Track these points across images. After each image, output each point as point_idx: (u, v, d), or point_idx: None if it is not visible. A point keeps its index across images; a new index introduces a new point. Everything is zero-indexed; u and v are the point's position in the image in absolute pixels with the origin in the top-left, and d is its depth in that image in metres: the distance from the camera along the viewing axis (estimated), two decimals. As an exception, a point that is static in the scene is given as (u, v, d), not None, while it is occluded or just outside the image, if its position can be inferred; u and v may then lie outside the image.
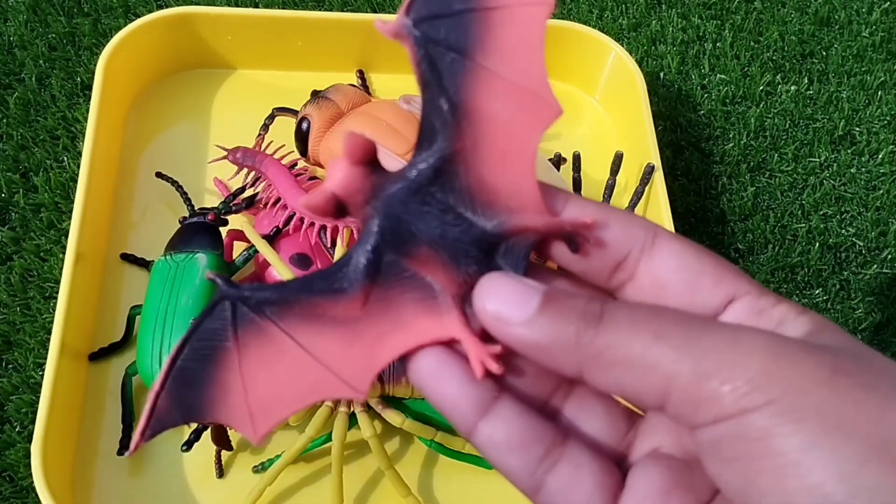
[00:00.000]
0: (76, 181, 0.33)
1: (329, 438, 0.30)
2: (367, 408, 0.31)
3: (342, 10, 0.43)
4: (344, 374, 0.15)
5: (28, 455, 0.28)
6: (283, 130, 0.36)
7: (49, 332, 0.30)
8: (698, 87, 0.43)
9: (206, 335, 0.15)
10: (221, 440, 0.30)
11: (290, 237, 0.34)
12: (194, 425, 0.30)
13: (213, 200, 0.36)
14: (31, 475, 0.27)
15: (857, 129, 0.42)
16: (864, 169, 0.41)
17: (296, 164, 0.35)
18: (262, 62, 0.40)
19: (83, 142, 0.34)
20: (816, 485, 0.11)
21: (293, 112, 0.37)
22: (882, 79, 0.44)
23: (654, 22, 0.44)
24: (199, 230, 0.33)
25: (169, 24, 0.38)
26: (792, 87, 0.43)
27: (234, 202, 0.35)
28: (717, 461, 0.13)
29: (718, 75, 0.43)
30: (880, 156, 0.41)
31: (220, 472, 0.31)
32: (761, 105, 0.42)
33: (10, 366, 0.33)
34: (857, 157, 0.41)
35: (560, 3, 0.45)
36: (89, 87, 0.37)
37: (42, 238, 0.35)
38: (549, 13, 0.15)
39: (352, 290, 0.15)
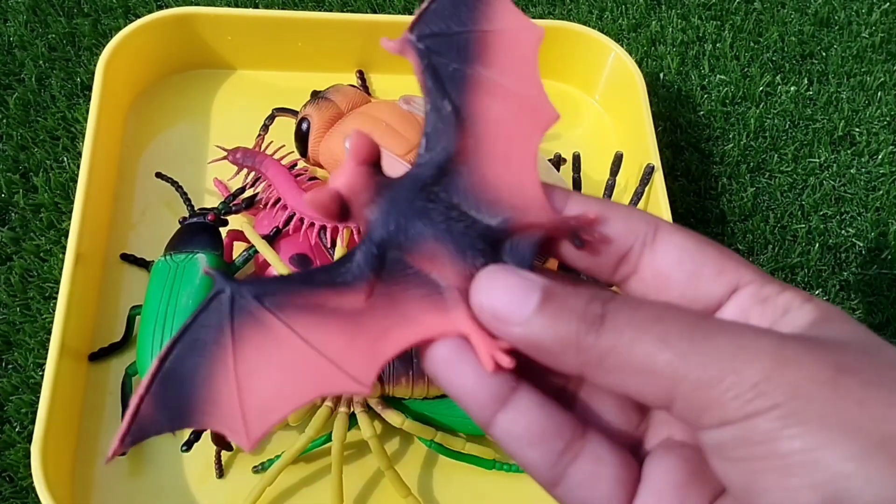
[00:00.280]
0: (76, 181, 0.33)
1: (329, 439, 0.30)
2: (367, 408, 0.31)
3: (342, 11, 0.43)
4: (347, 367, 0.14)
5: (28, 455, 0.28)
6: (283, 131, 0.36)
7: (49, 332, 0.30)
8: (698, 88, 0.43)
9: (199, 332, 0.14)
10: (221, 440, 0.30)
11: (289, 237, 0.34)
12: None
13: (213, 201, 0.36)
14: (30, 475, 0.27)
15: (857, 129, 0.42)
16: (863, 169, 0.41)
17: (296, 165, 0.35)
18: (262, 62, 0.40)
19: (83, 142, 0.34)
20: (820, 482, 0.11)
21: (293, 112, 0.37)
22: (882, 79, 0.44)
23: (653, 23, 0.44)
24: (199, 230, 0.33)
25: (169, 25, 0.38)
26: (792, 88, 0.43)
27: (234, 202, 0.35)
28: (721, 461, 0.13)
29: (718, 76, 0.43)
30: (880, 156, 0.41)
31: (220, 473, 0.31)
32: (761, 106, 0.42)
33: (10, 366, 0.33)
34: (856, 157, 0.41)
35: (560, 4, 0.45)
36: (89, 88, 0.37)
37: (42, 238, 0.35)
38: (540, 38, 0.16)
39: (355, 283, 0.15)
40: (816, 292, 0.38)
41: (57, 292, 0.31)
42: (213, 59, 0.40)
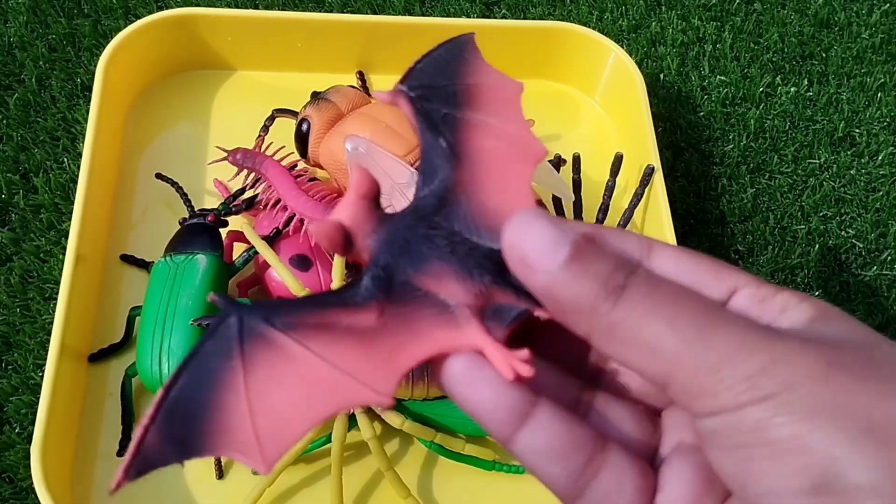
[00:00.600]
0: (76, 182, 0.33)
1: (329, 439, 0.30)
2: (367, 409, 0.31)
3: (342, 12, 0.43)
4: (366, 379, 0.14)
5: (28, 456, 0.28)
6: (284, 132, 0.36)
7: (49, 333, 0.30)
8: (698, 89, 0.43)
9: (206, 359, 0.14)
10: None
11: (289, 238, 0.34)
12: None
13: (213, 201, 0.36)
14: (30, 476, 0.27)
15: (857, 130, 0.42)
16: (863, 171, 0.41)
17: (296, 166, 0.35)
18: (262, 63, 0.40)
19: (83, 143, 0.34)
20: (809, 466, 0.12)
21: (293, 113, 0.37)
22: (882, 80, 0.44)
23: (653, 23, 0.44)
24: (199, 231, 0.33)
25: (169, 26, 0.38)
26: (792, 89, 0.43)
27: (234, 203, 0.35)
28: (716, 450, 0.13)
29: (718, 77, 0.43)
30: (880, 157, 0.41)
31: (220, 474, 0.31)
32: (761, 107, 0.42)
33: (10, 367, 0.33)
34: (856, 158, 0.41)
35: (560, 5, 0.45)
36: (89, 89, 0.37)
37: (42, 239, 0.35)
38: (520, 90, 0.17)
39: (366, 304, 0.15)
40: (816, 293, 0.38)
41: (57, 293, 0.31)
42: (213, 59, 0.40)
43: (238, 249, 0.34)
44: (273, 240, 0.33)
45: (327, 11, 0.43)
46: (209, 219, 0.34)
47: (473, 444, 0.31)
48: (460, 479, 0.32)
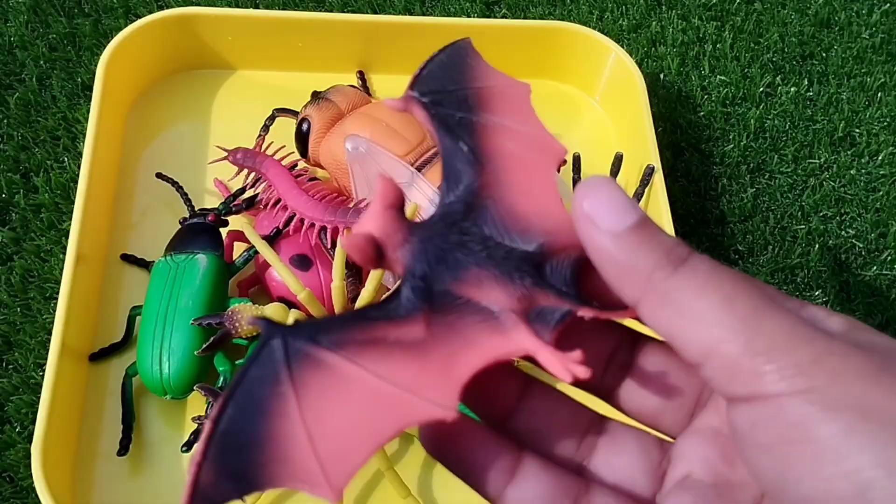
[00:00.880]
0: (77, 182, 0.33)
1: (329, 439, 0.30)
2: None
3: (342, 11, 0.43)
4: (427, 394, 0.14)
5: (28, 455, 0.28)
6: (284, 131, 0.36)
7: (49, 332, 0.30)
8: (698, 89, 0.43)
9: (252, 386, 0.13)
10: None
11: (290, 238, 0.34)
12: (194, 420, 0.30)
13: (213, 201, 0.36)
14: (31, 476, 0.27)
15: (857, 130, 0.42)
16: (863, 171, 0.41)
17: (296, 165, 0.35)
18: (263, 63, 0.40)
19: (84, 142, 0.34)
20: (854, 470, 0.11)
21: (293, 113, 0.37)
22: (882, 80, 0.44)
23: (654, 23, 0.44)
24: (200, 231, 0.33)
25: (169, 25, 0.38)
26: (792, 89, 0.43)
27: (235, 203, 0.35)
28: (752, 447, 0.13)
29: (718, 77, 0.43)
30: (880, 157, 0.41)
31: (220, 473, 0.31)
32: (761, 106, 0.42)
33: (11, 366, 0.33)
34: (856, 158, 0.41)
35: (560, 4, 0.45)
36: (90, 88, 0.37)
37: (42, 238, 0.35)
38: (528, 91, 0.17)
39: (410, 316, 0.14)
40: (816, 293, 0.38)
41: (57, 292, 0.31)
42: (213, 59, 0.40)
43: (238, 249, 0.34)
44: (273, 239, 0.33)
45: (328, 11, 0.43)
46: (209, 218, 0.34)
47: (473, 444, 0.31)
48: (460, 480, 0.32)
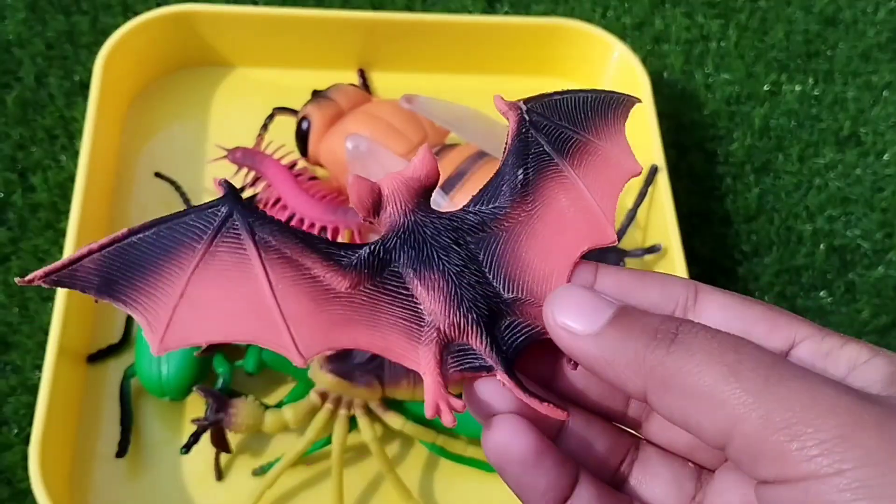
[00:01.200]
0: (74, 181, 0.33)
1: (329, 441, 0.30)
2: (368, 411, 0.30)
3: (342, 8, 0.42)
4: (295, 334, 0.14)
5: (26, 457, 0.28)
6: (284, 130, 0.36)
7: (47, 333, 0.30)
8: (702, 87, 0.43)
9: (181, 227, 0.14)
10: (220, 443, 0.30)
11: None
12: (193, 422, 0.30)
13: (212, 200, 0.36)
14: (28, 478, 0.27)
15: (863, 129, 0.42)
16: (869, 170, 0.41)
17: (296, 164, 0.34)
18: (262, 60, 0.40)
19: (81, 141, 0.34)
20: None
21: (293, 112, 0.37)
22: (888, 79, 0.43)
23: (658, 21, 0.44)
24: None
25: (167, 22, 0.38)
26: (797, 87, 0.43)
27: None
28: None
29: (723, 75, 0.43)
30: (886, 156, 0.41)
31: (219, 475, 0.31)
32: (766, 105, 0.42)
33: (8, 367, 0.32)
34: (862, 157, 0.41)
35: (563, 2, 0.44)
36: (87, 86, 0.37)
37: (40, 238, 0.35)
38: (635, 174, 0.16)
39: (348, 270, 0.14)
40: (821, 294, 0.37)
41: (55, 293, 0.30)
42: (212, 57, 0.40)
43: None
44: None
45: (328, 8, 0.42)
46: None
47: (475, 446, 0.31)
48: (462, 481, 0.31)
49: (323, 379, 0.30)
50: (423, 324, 0.15)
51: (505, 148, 0.16)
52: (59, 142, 0.37)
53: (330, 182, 0.35)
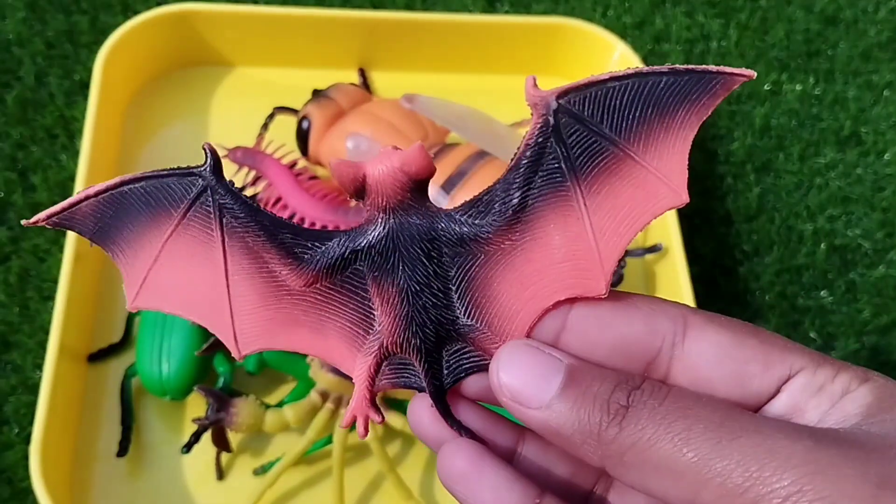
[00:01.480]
0: (74, 180, 0.33)
1: (330, 441, 0.30)
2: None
3: (343, 7, 0.42)
4: (237, 325, 0.14)
5: (26, 457, 0.28)
6: (284, 129, 0.36)
7: (47, 332, 0.30)
8: (703, 86, 0.42)
9: (164, 189, 0.14)
10: (221, 442, 0.30)
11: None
12: (193, 421, 0.30)
13: (212, 200, 0.36)
14: (29, 477, 0.27)
15: (864, 129, 0.42)
16: (870, 169, 0.41)
17: (296, 164, 0.34)
18: (263, 60, 0.40)
19: (81, 140, 0.34)
20: None
21: (294, 111, 0.37)
22: (889, 78, 0.43)
23: (658, 20, 0.44)
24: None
25: (168, 22, 0.38)
26: (797, 87, 0.43)
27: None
28: None
29: (723, 74, 0.43)
30: (887, 156, 0.41)
31: (220, 475, 0.31)
32: (767, 104, 0.42)
33: (9, 366, 0.32)
34: (863, 157, 0.41)
35: (563, 1, 0.44)
36: (87, 85, 0.37)
37: (40, 238, 0.35)
38: (672, 206, 0.13)
39: (307, 266, 0.14)
40: (822, 293, 0.37)
41: (55, 292, 0.30)
42: (212, 56, 0.40)
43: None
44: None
45: (328, 7, 0.42)
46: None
47: (476, 446, 0.31)
48: None
49: (324, 378, 0.30)
50: (370, 331, 0.14)
51: (517, 152, 0.14)
52: (60, 141, 0.37)
53: (330, 181, 0.35)
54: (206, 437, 0.30)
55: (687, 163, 0.13)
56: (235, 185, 0.15)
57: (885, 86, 0.43)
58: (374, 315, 0.14)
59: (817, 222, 0.39)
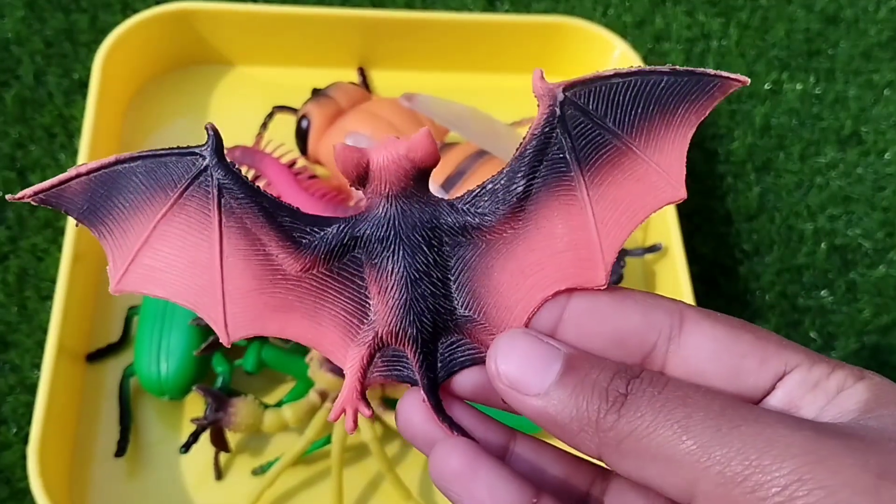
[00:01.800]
0: (73, 179, 0.33)
1: (329, 441, 0.30)
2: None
3: (342, 6, 0.42)
4: (229, 310, 0.14)
5: (24, 457, 0.28)
6: (283, 128, 0.36)
7: (46, 332, 0.30)
8: (703, 86, 0.42)
9: (160, 168, 0.14)
10: (220, 442, 0.30)
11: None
12: (192, 421, 0.30)
13: (211, 199, 0.36)
14: (27, 477, 0.27)
15: (864, 128, 0.42)
16: (871, 169, 0.41)
17: (295, 163, 0.34)
18: (262, 59, 0.40)
19: (80, 140, 0.34)
20: None
21: (293, 110, 0.36)
22: (889, 78, 0.43)
23: (658, 19, 0.44)
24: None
25: (167, 21, 0.37)
26: (798, 86, 0.43)
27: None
28: None
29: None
30: (887, 155, 0.41)
31: (219, 475, 0.31)
32: (767, 104, 0.42)
33: (7, 366, 0.32)
34: (863, 156, 0.41)
35: (564, 0, 0.44)
36: (86, 85, 0.37)
37: (39, 237, 0.35)
38: (671, 201, 0.14)
39: (305, 251, 0.14)
40: (822, 293, 0.37)
41: (54, 292, 0.30)
42: (211, 55, 0.40)
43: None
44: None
45: (328, 6, 0.42)
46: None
47: (475, 446, 0.31)
48: None
49: (323, 378, 0.30)
50: (364, 321, 0.14)
51: (522, 142, 0.14)
52: (58, 140, 0.37)
53: (330, 180, 0.35)
54: (205, 436, 0.30)
55: (685, 159, 0.14)
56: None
57: (885, 85, 0.43)
58: (369, 305, 0.14)
59: (818, 222, 0.39)
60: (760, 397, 0.13)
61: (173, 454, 0.31)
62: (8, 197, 0.14)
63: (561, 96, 0.13)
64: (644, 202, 0.14)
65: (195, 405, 0.31)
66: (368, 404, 0.14)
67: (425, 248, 0.14)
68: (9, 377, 0.32)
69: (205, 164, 0.14)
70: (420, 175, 0.14)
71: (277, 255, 0.14)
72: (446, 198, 0.14)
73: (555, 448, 0.15)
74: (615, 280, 0.33)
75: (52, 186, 0.14)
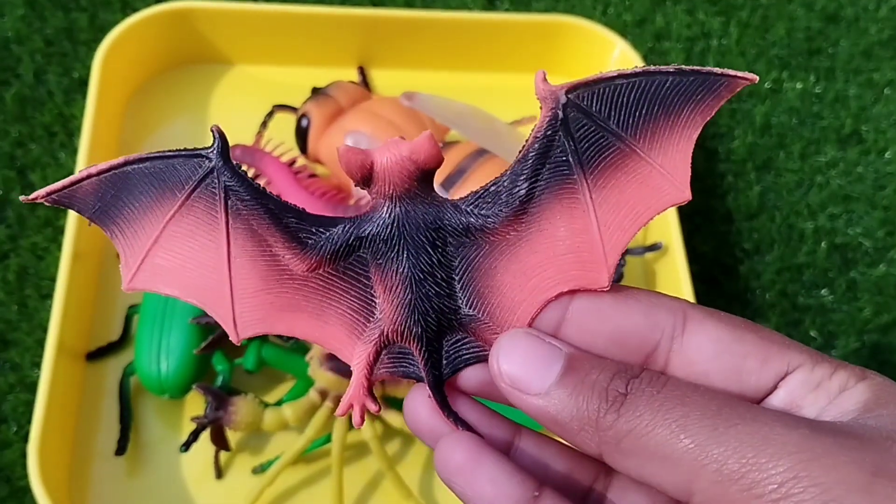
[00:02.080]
0: (73, 178, 0.33)
1: (329, 439, 0.30)
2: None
3: (342, 5, 0.42)
4: (237, 308, 0.14)
5: (24, 455, 0.28)
6: (283, 128, 0.36)
7: (46, 330, 0.30)
8: (703, 84, 0.42)
9: (168, 169, 0.14)
10: (220, 441, 0.30)
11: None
12: (192, 420, 0.30)
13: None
14: (27, 476, 0.27)
15: (865, 127, 0.42)
16: (871, 168, 0.41)
17: (295, 162, 0.34)
18: (262, 58, 0.40)
19: (80, 138, 0.34)
20: None
21: (293, 109, 0.36)
22: (890, 76, 0.43)
23: (658, 18, 0.44)
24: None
25: (166, 19, 0.37)
26: (798, 85, 0.43)
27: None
28: None
29: (724, 72, 0.43)
30: (888, 154, 0.41)
31: (219, 473, 0.31)
32: (767, 102, 0.42)
33: (7, 364, 0.32)
34: (864, 155, 0.41)
35: (564, -1, 0.44)
36: (86, 83, 0.37)
37: (39, 236, 0.35)
38: (676, 203, 0.14)
39: (310, 252, 0.14)
40: (823, 292, 0.37)
41: (54, 290, 0.30)
42: (211, 54, 0.39)
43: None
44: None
45: (327, 5, 0.42)
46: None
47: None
48: None
49: (323, 377, 0.30)
50: (371, 319, 0.14)
51: (525, 144, 0.14)
52: (58, 139, 0.37)
53: (329, 179, 0.35)
54: (205, 435, 0.30)
55: (690, 161, 0.14)
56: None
57: (885, 84, 0.43)
58: (375, 303, 0.14)
59: (818, 221, 0.39)
60: (762, 397, 0.13)
61: (173, 453, 0.31)
62: (21, 198, 0.14)
63: (563, 99, 0.13)
64: (648, 204, 0.14)
65: (195, 404, 0.31)
66: (376, 399, 0.15)
67: (429, 249, 0.14)
68: (9, 376, 0.32)
69: (211, 166, 0.14)
70: (424, 176, 0.14)
71: (284, 255, 0.14)
72: (447, 197, 0.15)
73: (559, 444, 0.15)
74: (616, 279, 0.33)
75: (65, 187, 0.14)
